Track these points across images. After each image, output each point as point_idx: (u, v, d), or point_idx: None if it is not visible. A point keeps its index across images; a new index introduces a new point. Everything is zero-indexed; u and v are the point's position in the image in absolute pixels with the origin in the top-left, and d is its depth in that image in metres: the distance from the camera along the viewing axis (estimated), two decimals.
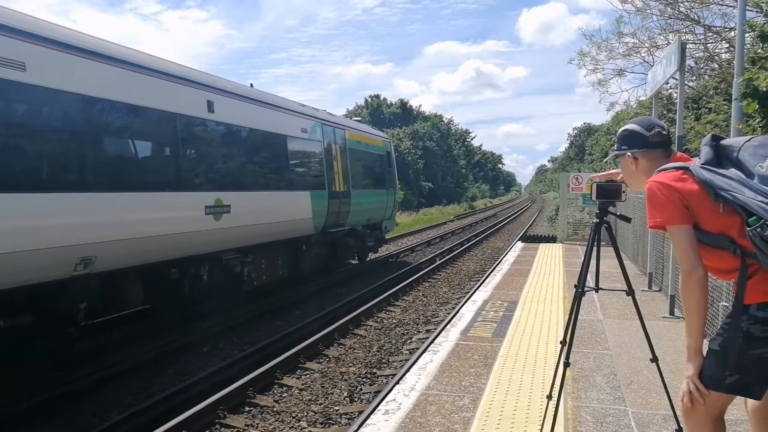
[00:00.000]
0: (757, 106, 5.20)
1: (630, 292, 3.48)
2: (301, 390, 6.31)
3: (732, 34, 12.02)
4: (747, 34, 5.53)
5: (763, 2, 5.80)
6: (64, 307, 6.47)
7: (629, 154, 2.61)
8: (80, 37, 6.53)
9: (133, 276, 7.32)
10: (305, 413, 5.68)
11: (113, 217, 6.59)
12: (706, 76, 14.57)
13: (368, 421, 4.15)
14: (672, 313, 7.05)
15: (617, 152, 2.70)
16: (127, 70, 6.95)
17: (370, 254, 16.14)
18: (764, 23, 5.86)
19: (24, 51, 5.54)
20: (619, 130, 2.74)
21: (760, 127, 5.32)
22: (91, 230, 6.23)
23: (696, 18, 13.76)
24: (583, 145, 61.66)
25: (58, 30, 6.27)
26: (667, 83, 8.16)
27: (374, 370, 7.01)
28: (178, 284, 8.23)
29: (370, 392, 6.27)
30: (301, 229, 11.11)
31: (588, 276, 3.47)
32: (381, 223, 15.92)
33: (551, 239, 17.99)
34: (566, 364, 3.42)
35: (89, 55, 6.42)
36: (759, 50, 5.50)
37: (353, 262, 15.27)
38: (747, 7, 5.74)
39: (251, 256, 9.74)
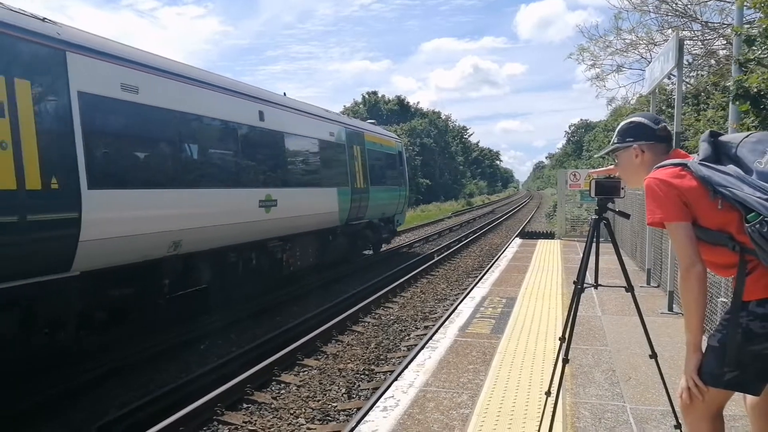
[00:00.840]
0: (750, 106, 5.22)
1: (629, 288, 3.47)
2: (299, 387, 6.31)
3: (729, 30, 12.03)
4: (735, 36, 5.55)
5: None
6: (157, 282, 7.87)
7: (636, 146, 2.59)
8: (173, 65, 8.14)
9: (203, 258, 8.67)
10: (303, 410, 5.68)
11: (194, 209, 8.07)
12: (704, 73, 14.58)
13: (366, 418, 4.15)
14: (670, 309, 7.06)
15: (619, 145, 2.65)
16: (205, 89, 8.55)
17: (377, 248, 17.05)
18: (748, 27, 5.86)
19: (137, 78, 7.14)
20: (622, 123, 2.70)
21: (753, 126, 5.33)
22: (180, 219, 7.74)
23: (693, 14, 13.76)
24: (581, 141, 61.67)
25: (158, 59, 7.85)
26: (669, 78, 8.15)
27: (372, 367, 7.01)
28: (235, 267, 9.62)
29: (368, 389, 6.27)
30: (329, 221, 12.65)
31: (587, 272, 3.47)
32: (394, 216, 17.45)
33: (549, 235, 18.02)
34: (565, 361, 3.42)
35: (180, 78, 8.00)
36: (747, 53, 5.50)
37: (368, 252, 16.44)
38: (745, 4, 5.73)
39: (289, 245, 11.18)
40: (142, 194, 7.13)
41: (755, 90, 5.16)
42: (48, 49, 6.03)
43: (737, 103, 5.28)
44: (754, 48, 5.46)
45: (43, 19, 6.19)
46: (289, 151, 11.04)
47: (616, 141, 2.68)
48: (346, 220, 13.52)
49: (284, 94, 12.03)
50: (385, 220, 16.64)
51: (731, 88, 5.29)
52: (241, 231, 9.19)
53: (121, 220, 6.75)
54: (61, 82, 6.12)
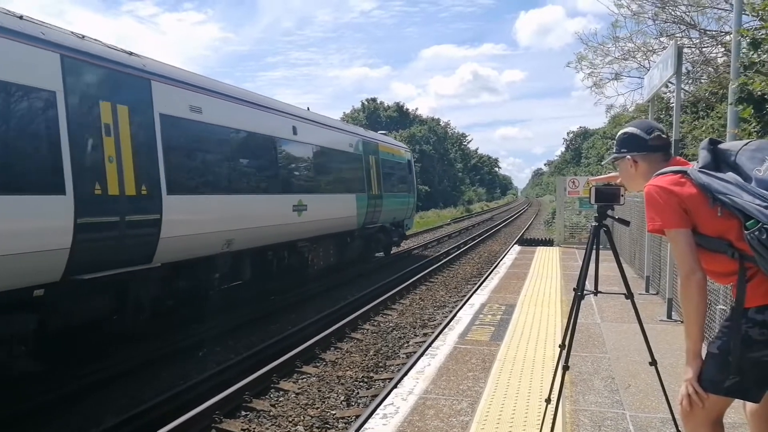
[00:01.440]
0: (752, 110, 5.22)
1: (629, 295, 3.48)
2: (297, 394, 6.29)
3: (728, 38, 12.08)
4: (740, 40, 5.55)
5: (757, 6, 5.82)
6: (211, 275, 9.05)
7: (629, 157, 2.62)
8: (225, 87, 9.56)
9: (247, 255, 9.94)
10: (302, 417, 5.65)
11: (243, 212, 9.30)
12: (703, 80, 14.63)
13: (366, 426, 4.13)
14: (669, 316, 7.06)
15: (616, 155, 2.70)
16: (250, 107, 9.94)
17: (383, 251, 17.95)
18: (754, 29, 5.88)
19: (200, 100, 8.46)
20: (619, 133, 2.74)
21: (755, 131, 5.34)
22: (232, 221, 8.97)
23: (692, 22, 13.83)
24: (580, 148, 61.79)
25: (215, 84, 9.32)
26: (666, 87, 8.18)
27: (371, 374, 6.99)
28: (270, 264, 10.95)
29: (368, 396, 6.25)
30: (348, 225, 13.88)
31: (587, 279, 3.47)
32: (403, 221, 18.70)
33: (548, 243, 18.03)
34: (565, 368, 3.41)
35: (231, 99, 9.36)
36: (752, 55, 5.52)
37: (379, 254, 17.53)
38: (743, 11, 5.76)
39: (315, 245, 12.48)
40: (205, 199, 8.49)
41: (759, 94, 5.17)
42: (138, 79, 7.31)
43: (740, 107, 5.28)
44: (759, 51, 5.47)
45: (131, 53, 7.49)
46: (316, 161, 12.44)
47: (614, 151, 2.72)
48: (363, 223, 14.73)
49: (308, 108, 13.23)
50: (396, 224, 17.91)
51: (734, 91, 5.29)
52: (278, 232, 10.49)
53: (190, 221, 8.04)
54: (147, 106, 7.41)
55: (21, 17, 6.03)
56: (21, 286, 5.73)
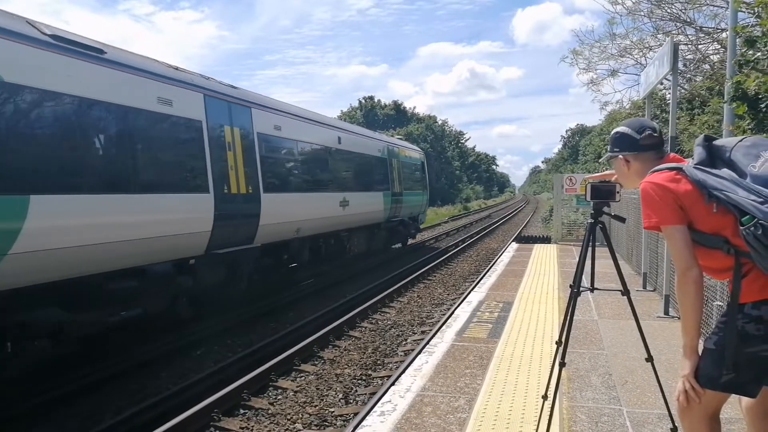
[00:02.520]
0: (747, 108, 5.23)
1: (625, 292, 3.49)
2: (296, 392, 6.30)
3: (723, 35, 12.10)
4: (734, 37, 5.56)
5: (753, 3, 5.82)
6: (283, 255, 11.38)
7: (621, 156, 2.64)
8: (295, 109, 12.14)
9: (306, 242, 12.17)
10: (300, 415, 5.66)
11: (308, 207, 11.77)
12: (698, 78, 14.65)
13: (364, 423, 4.14)
14: (666, 312, 7.08)
15: (610, 154, 2.73)
16: (311, 124, 12.51)
17: (393, 246, 19.84)
18: (749, 26, 5.88)
19: (280, 120, 10.92)
20: (611, 133, 2.77)
21: (749, 129, 5.35)
22: (301, 213, 11.33)
23: (687, 19, 13.84)
24: (577, 146, 61.85)
25: (288, 107, 11.80)
26: (661, 84, 8.20)
27: (369, 372, 7.00)
28: (320, 249, 13.15)
29: (366, 394, 6.26)
30: (377, 218, 16.39)
31: (583, 276, 3.48)
32: (418, 216, 21.19)
33: (545, 240, 18.04)
34: (561, 364, 3.42)
35: (299, 118, 11.91)
36: (747, 54, 5.52)
37: (397, 246, 19.76)
38: (738, 9, 5.76)
39: (351, 235, 14.86)
40: (286, 196, 10.85)
41: (753, 92, 5.18)
42: (244, 108, 9.74)
43: (734, 105, 5.30)
44: (753, 50, 5.48)
45: (235, 87, 9.97)
46: (355, 164, 14.95)
47: (608, 150, 2.75)
48: (388, 217, 17.30)
49: (337, 117, 17.83)
50: (413, 218, 20.23)
51: (728, 90, 5.31)
52: (329, 223, 12.95)
53: (276, 213, 10.25)
54: (250, 127, 9.78)
55: (176, 68, 8.53)
56: (183, 257, 8.10)
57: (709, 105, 11.76)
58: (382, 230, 17.33)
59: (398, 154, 18.71)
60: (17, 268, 5.56)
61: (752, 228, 2.06)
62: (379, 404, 4.45)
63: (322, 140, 12.93)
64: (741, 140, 2.31)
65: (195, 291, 8.56)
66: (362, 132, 17.26)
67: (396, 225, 18.20)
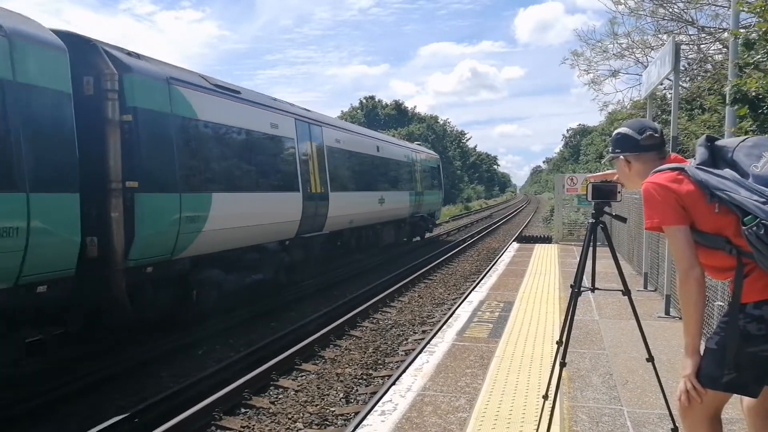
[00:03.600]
0: (748, 110, 5.23)
1: (626, 292, 3.49)
2: (297, 391, 6.30)
3: (725, 34, 12.07)
4: (733, 40, 5.57)
5: (756, 4, 5.81)
6: (337, 242, 14.58)
7: (622, 157, 2.65)
8: (350, 126, 16.37)
9: (354, 231, 15.41)
10: (301, 414, 5.67)
11: (358, 203, 14.74)
12: (700, 78, 14.61)
13: (364, 422, 4.14)
14: (667, 312, 7.07)
15: (611, 155, 2.74)
16: (359, 136, 16.08)
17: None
18: (747, 30, 5.88)
19: (340, 135, 14.05)
20: (613, 134, 2.77)
21: (751, 130, 5.35)
22: (354, 208, 14.38)
23: (689, 19, 13.82)
24: (578, 145, 61.78)
25: (345, 124, 16.07)
26: (661, 84, 8.19)
27: (370, 371, 7.00)
28: (362, 238, 16.31)
29: (366, 393, 6.27)
30: (403, 213, 19.43)
31: (584, 276, 3.48)
32: (434, 213, 24.34)
33: (546, 240, 18.03)
34: (562, 364, 3.42)
35: (353, 132, 15.46)
36: (746, 57, 5.52)
37: (416, 239, 22.38)
38: (741, 9, 5.76)
39: (384, 227, 17.96)
40: (345, 194, 13.75)
41: (753, 94, 5.18)
42: (318, 126, 12.77)
43: (735, 107, 5.30)
44: (752, 52, 5.48)
45: (309, 111, 12.98)
46: (389, 168, 18.08)
47: (609, 151, 2.75)
48: (411, 213, 20.29)
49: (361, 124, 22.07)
50: (430, 214, 23.28)
51: (729, 92, 5.31)
52: (370, 217, 16.15)
53: (339, 207, 13.14)
54: (321, 141, 12.76)
55: (275, 99, 11.50)
56: (284, 238, 10.97)
57: (707, 101, 11.76)
58: (407, 224, 20.39)
59: (420, 159, 21.91)
60: (204, 242, 8.27)
61: (754, 228, 2.06)
62: (379, 404, 4.46)
63: (366, 149, 16.16)
64: (743, 140, 2.31)
65: (289, 264, 11.45)
66: (393, 141, 21.26)
67: (417, 220, 21.30)
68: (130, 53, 7.51)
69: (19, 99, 5.63)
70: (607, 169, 3.53)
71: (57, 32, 6.37)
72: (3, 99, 5.47)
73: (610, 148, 2.76)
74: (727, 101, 5.43)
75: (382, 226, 17.63)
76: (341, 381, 6.61)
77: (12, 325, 5.80)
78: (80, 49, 6.76)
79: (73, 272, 6.18)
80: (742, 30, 5.73)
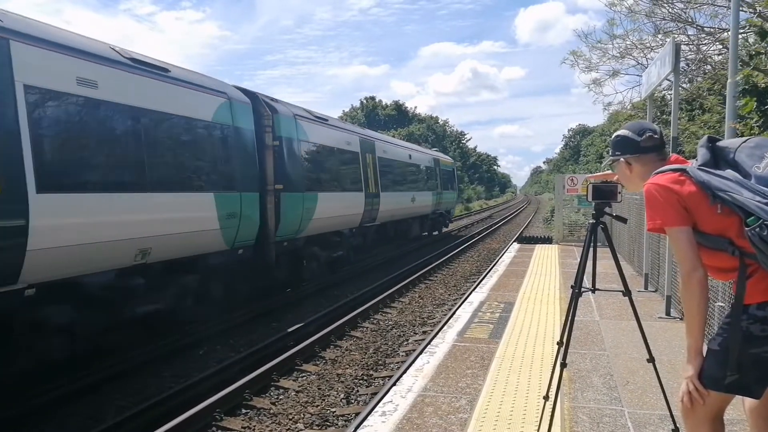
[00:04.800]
0: (756, 103, 5.21)
1: (626, 292, 3.49)
2: (297, 392, 6.30)
3: (725, 34, 12.07)
4: (741, 34, 5.55)
5: (756, 2, 5.81)
6: (384, 231, 17.85)
7: (623, 159, 2.65)
8: (394, 140, 22.67)
9: (393, 224, 18.61)
10: (302, 415, 5.67)
11: (398, 201, 18.09)
12: (699, 78, 14.61)
13: (365, 423, 4.14)
14: (668, 313, 7.07)
15: (612, 158, 2.75)
16: (399, 147, 20.17)
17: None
18: (762, 21, 5.86)
19: (386, 146, 17.89)
20: (612, 136, 2.78)
21: (757, 126, 5.33)
22: (393, 204, 17.49)
23: (688, 19, 13.81)
24: (578, 146, 61.79)
25: (388, 138, 21.69)
26: (661, 84, 8.19)
27: (371, 372, 7.00)
28: (398, 230, 19.68)
29: (367, 394, 6.26)
30: (427, 210, 22.77)
31: (584, 277, 3.48)
32: (450, 211, 28.58)
33: (547, 240, 18.03)
34: (563, 365, 3.43)
35: (396, 144, 20.40)
36: (758, 46, 5.50)
37: (435, 233, 25.31)
38: (740, 8, 5.75)
39: (412, 222, 21.43)
40: (391, 194, 17.10)
41: (763, 86, 5.15)
42: (371, 141, 16.12)
43: (743, 101, 5.26)
44: (765, 43, 5.45)
45: (365, 130, 18.12)
46: (418, 172, 21.60)
47: (609, 153, 2.76)
48: (433, 210, 23.56)
49: (373, 128, 28.62)
50: (447, 211, 26.95)
51: (734, 84, 5.28)
52: (405, 212, 19.55)
53: (386, 203, 16.47)
54: (374, 152, 16.02)
55: (344, 122, 17.21)
56: (351, 227, 14.29)
57: (707, 105, 11.75)
58: (429, 219, 23.72)
59: (440, 163, 25.61)
60: (312, 227, 11.73)
61: (757, 229, 2.05)
62: (380, 404, 4.46)
63: (402, 157, 19.68)
64: (745, 141, 2.31)
65: (355, 246, 15.18)
66: (420, 149, 24.99)
67: (437, 216, 24.70)
68: (274, 99, 11.03)
69: (235, 135, 9.20)
70: (607, 169, 3.54)
71: (240, 89, 10.03)
72: (228, 135, 8.99)
73: (610, 152, 2.77)
74: (728, 96, 5.39)
75: (412, 220, 21.29)
76: (342, 381, 6.61)
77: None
78: (251, 99, 10.07)
79: (253, 242, 9.78)
80: (757, 19, 5.70)
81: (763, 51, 5.34)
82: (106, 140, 6.67)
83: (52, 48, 6.05)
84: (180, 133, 7.96)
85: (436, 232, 25.34)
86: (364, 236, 15.61)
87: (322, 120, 13.02)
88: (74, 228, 6.06)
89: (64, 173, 6.04)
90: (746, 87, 5.20)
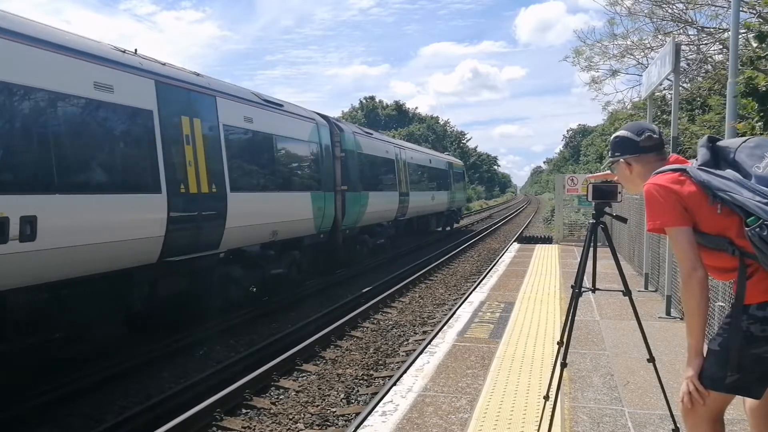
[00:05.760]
0: (757, 105, 5.21)
1: (627, 292, 3.48)
2: (297, 392, 6.30)
3: (726, 35, 12.06)
4: (742, 34, 5.54)
5: (756, 3, 5.81)
6: (409, 223, 21.48)
7: (622, 160, 2.65)
8: (424, 149, 28.47)
9: (416, 219, 22.08)
10: (302, 415, 5.67)
11: (422, 199, 21.80)
12: (699, 78, 14.60)
13: (365, 423, 4.14)
14: (668, 313, 7.07)
15: (612, 159, 2.75)
16: (421, 153, 24.20)
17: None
18: (761, 23, 5.86)
19: (413, 153, 22.10)
20: (612, 137, 2.79)
21: (759, 126, 5.32)
22: (420, 202, 21.48)
23: (689, 19, 13.81)
24: (579, 146, 61.79)
25: (416, 146, 26.33)
26: (661, 84, 8.19)
27: (371, 372, 7.00)
28: (420, 224, 23.14)
29: (367, 394, 6.27)
30: (443, 207, 25.91)
31: (584, 276, 3.48)
32: (461, 208, 31.99)
33: (547, 240, 18.03)
34: (563, 365, 3.42)
35: (419, 152, 24.15)
36: (757, 49, 5.50)
37: (448, 228, 28.14)
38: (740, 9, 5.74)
39: (431, 217, 24.63)
40: (417, 193, 20.78)
41: (764, 88, 5.14)
42: (404, 150, 20.34)
43: (744, 101, 5.26)
44: (764, 45, 5.44)
45: (397, 139, 26.29)
46: (436, 174, 24.90)
47: (609, 155, 2.77)
48: (447, 208, 26.74)
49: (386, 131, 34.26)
50: (458, 209, 30.24)
51: (738, 83, 5.27)
52: (426, 209, 22.67)
53: (415, 200, 20.46)
54: (404, 159, 19.93)
55: (382, 134, 23.57)
56: (389, 220, 18.03)
57: (710, 104, 11.73)
58: (444, 216, 26.83)
59: (453, 166, 29.15)
60: (364, 219, 15.08)
61: (757, 229, 2.05)
62: (380, 404, 4.46)
63: (424, 162, 23.06)
64: (745, 141, 2.30)
65: (391, 236, 18.63)
66: (438, 154, 29.15)
67: (450, 213, 27.97)
68: (339, 120, 14.96)
69: (321, 150, 12.57)
70: (606, 169, 3.54)
71: (319, 114, 13.38)
72: (316, 150, 12.41)
73: (610, 153, 2.78)
74: (728, 96, 5.39)
75: (431, 216, 24.60)
76: (342, 381, 6.61)
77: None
78: (327, 121, 13.55)
79: (330, 229, 13.07)
80: (756, 20, 5.69)
81: (763, 55, 5.34)
82: (257, 156, 10.12)
83: (233, 99, 9.42)
84: (292, 149, 11.60)
85: (448, 228, 28.34)
86: (396, 228, 19.27)
87: (368, 134, 17.29)
88: (247, 215, 9.17)
89: (241, 180, 9.24)
90: (746, 90, 5.20)
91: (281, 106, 11.22)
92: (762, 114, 5.24)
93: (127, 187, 6.91)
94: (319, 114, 13.32)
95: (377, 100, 65.08)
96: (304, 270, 12.23)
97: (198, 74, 8.96)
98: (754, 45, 5.48)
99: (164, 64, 8.14)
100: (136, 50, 7.86)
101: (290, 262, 11.28)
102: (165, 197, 7.33)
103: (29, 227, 5.45)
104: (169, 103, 7.65)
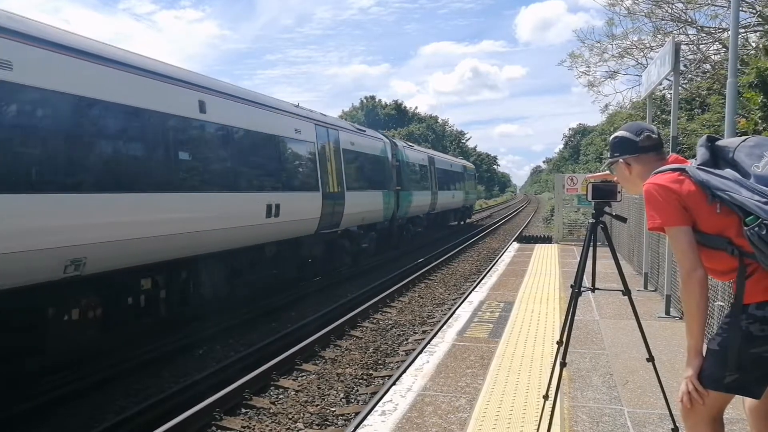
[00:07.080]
0: (761, 97, 5.18)
1: (626, 292, 3.49)
2: (297, 391, 6.30)
3: (725, 34, 12.07)
4: (742, 34, 5.54)
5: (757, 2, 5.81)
6: (419, 222, 23.04)
7: (622, 160, 2.65)
8: (439, 154, 30.34)
9: (440, 214, 26.65)
10: (302, 415, 5.67)
11: (444, 197, 25.90)
12: (698, 78, 14.61)
13: (365, 422, 4.14)
14: (668, 312, 7.07)
15: (611, 159, 2.75)
16: (443, 159, 28.82)
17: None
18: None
19: (438, 160, 26.84)
20: (610, 138, 2.79)
21: (760, 120, 5.31)
22: (443, 199, 25.62)
23: (688, 19, 13.82)
24: (579, 145, 61.81)
25: (438, 154, 29.89)
26: (661, 84, 8.19)
27: (370, 372, 7.00)
28: (442, 219, 27.74)
29: (367, 393, 6.27)
30: (459, 204, 30.15)
31: (584, 276, 3.48)
32: (472, 206, 36.83)
33: (547, 240, 18.03)
34: (562, 364, 3.43)
35: (443, 158, 28.69)
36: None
37: (461, 222, 32.04)
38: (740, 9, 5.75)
39: (449, 213, 29.04)
40: (442, 192, 25.21)
41: None
42: (432, 157, 25.12)
43: (749, 94, 5.23)
44: None
45: (430, 149, 31.98)
46: (456, 176, 29.15)
47: (608, 155, 2.76)
48: (462, 205, 31.07)
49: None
50: (470, 206, 35.04)
51: (748, 72, 5.24)
52: (448, 205, 27.05)
53: (442, 198, 24.97)
54: (434, 165, 24.46)
55: (419, 145, 31.76)
56: (423, 213, 22.96)
57: (710, 104, 11.74)
58: (459, 211, 31.08)
59: (467, 168, 33.91)
60: (410, 212, 20.01)
61: (756, 228, 2.05)
62: (380, 404, 4.46)
63: (447, 166, 27.22)
64: (744, 140, 2.30)
65: (426, 225, 23.16)
66: (455, 160, 33.68)
67: (465, 209, 32.26)
68: (393, 136, 23.70)
69: (386, 160, 17.41)
70: (607, 172, 3.54)
71: (381, 133, 18.96)
72: (384, 160, 17.25)
73: (609, 154, 2.77)
74: (728, 96, 5.36)
75: (450, 212, 28.74)
76: (342, 381, 6.61)
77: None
78: (387, 138, 18.50)
79: (390, 219, 17.43)
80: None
81: None
82: (358, 167, 14.88)
83: (346, 131, 14.53)
84: (374, 161, 16.28)
85: (462, 222, 32.63)
86: (428, 220, 23.75)
87: (410, 146, 22.65)
88: (353, 206, 13.60)
89: (351, 183, 13.72)
90: (755, 81, 5.17)
91: (364, 131, 16.50)
92: (765, 107, 5.23)
93: (308, 187, 11.61)
94: (381, 132, 19.20)
95: (377, 99, 65.04)
96: (375, 246, 16.86)
97: (314, 112, 13.01)
98: (756, 43, 5.46)
99: (311, 111, 12.80)
100: (298, 104, 12.49)
101: (370, 239, 15.88)
102: (320, 194, 11.96)
103: (276, 209, 10.05)
104: (319, 137, 12.38)
